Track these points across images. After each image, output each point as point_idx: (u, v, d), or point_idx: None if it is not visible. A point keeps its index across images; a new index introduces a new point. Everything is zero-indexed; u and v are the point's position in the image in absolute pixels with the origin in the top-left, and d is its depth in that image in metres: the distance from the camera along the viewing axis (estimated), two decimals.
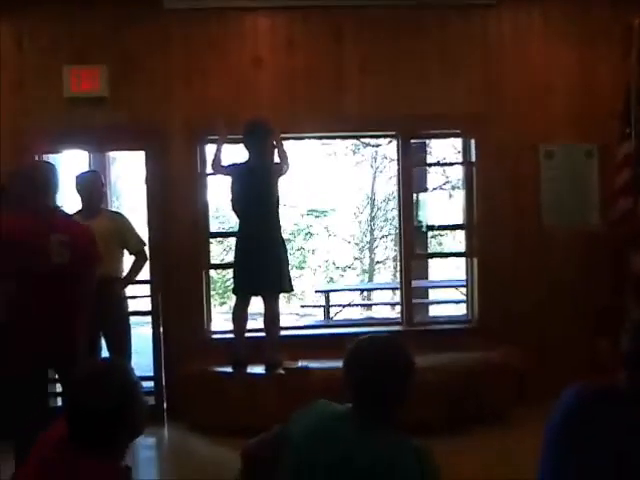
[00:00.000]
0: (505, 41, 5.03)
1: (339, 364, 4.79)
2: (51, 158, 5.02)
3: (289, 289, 4.74)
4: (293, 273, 4.87)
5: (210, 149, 4.90)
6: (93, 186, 4.45)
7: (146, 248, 4.63)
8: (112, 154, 5.95)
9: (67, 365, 3.29)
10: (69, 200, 4.57)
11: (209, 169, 4.79)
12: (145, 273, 4.96)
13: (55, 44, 4.79)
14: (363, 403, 1.82)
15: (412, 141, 5.26)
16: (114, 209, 5.61)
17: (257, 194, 4.49)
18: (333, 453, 1.75)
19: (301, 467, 1.79)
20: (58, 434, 1.74)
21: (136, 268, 4.55)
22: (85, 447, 1.67)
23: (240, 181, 4.56)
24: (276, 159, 4.66)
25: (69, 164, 5.93)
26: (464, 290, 5.74)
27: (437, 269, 11.65)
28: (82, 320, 3.49)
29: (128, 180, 11.54)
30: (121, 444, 1.76)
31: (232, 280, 4.73)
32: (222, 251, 11.92)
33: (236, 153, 4.68)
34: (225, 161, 4.66)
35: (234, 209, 4.64)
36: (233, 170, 4.61)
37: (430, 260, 9.91)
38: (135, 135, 4.86)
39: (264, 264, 4.44)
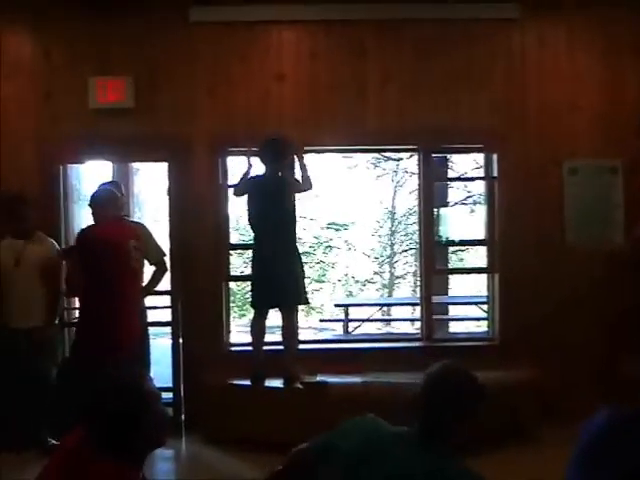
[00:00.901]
0: (529, 55, 5.00)
1: (357, 379, 4.76)
2: (75, 168, 5.10)
3: (305, 302, 4.74)
4: (312, 287, 4.89)
5: (234, 165, 4.93)
6: (110, 198, 4.47)
7: (166, 259, 4.65)
8: (135, 165, 6.01)
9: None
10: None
11: (235, 178, 4.80)
12: (165, 284, 4.98)
13: (82, 55, 4.86)
14: (429, 429, 1.82)
15: (433, 155, 5.24)
16: (136, 219, 5.66)
17: (271, 209, 4.49)
18: (390, 471, 1.74)
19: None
20: (78, 439, 1.75)
21: (156, 278, 4.57)
22: (104, 453, 1.68)
23: (255, 196, 4.57)
24: (297, 176, 4.67)
25: (93, 174, 6.00)
26: (485, 307, 5.68)
27: (458, 285, 11.58)
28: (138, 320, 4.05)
29: (151, 191, 11.66)
30: (138, 451, 1.76)
31: (251, 293, 4.73)
32: (242, 263, 11.95)
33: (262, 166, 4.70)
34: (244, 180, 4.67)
35: (250, 223, 4.65)
36: (249, 186, 4.62)
37: (451, 276, 9.86)
38: (159, 146, 4.90)
39: (279, 278, 4.43)
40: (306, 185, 4.60)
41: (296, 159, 4.65)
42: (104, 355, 3.63)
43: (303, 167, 4.62)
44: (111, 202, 4.15)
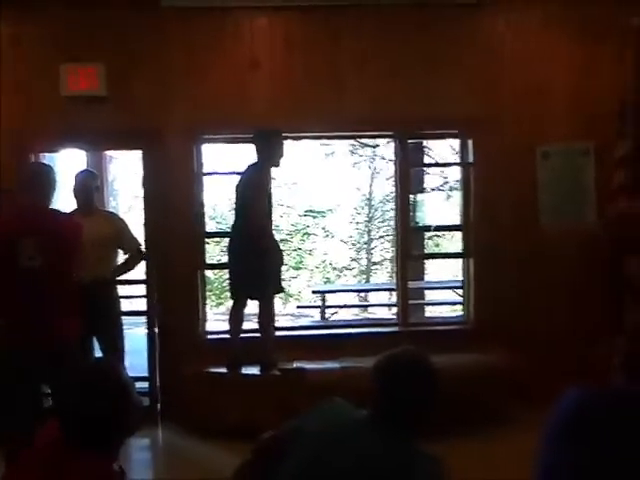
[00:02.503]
0: (503, 41, 5.02)
1: (334, 365, 4.78)
2: (48, 157, 5.02)
3: (279, 290, 4.75)
4: (290, 274, 4.89)
5: (212, 147, 4.88)
6: (87, 185, 4.43)
7: (142, 248, 4.60)
8: (110, 153, 5.94)
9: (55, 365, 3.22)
10: (66, 199, 4.55)
11: (210, 165, 4.77)
12: (141, 273, 4.95)
13: (52, 42, 4.78)
14: (387, 412, 1.82)
15: (410, 141, 5.25)
16: (110, 209, 5.60)
17: (243, 199, 4.48)
18: (348, 457, 1.74)
19: (311, 466, 1.78)
20: (51, 436, 1.73)
21: (130, 263, 4.51)
22: (79, 449, 1.66)
23: (236, 186, 4.57)
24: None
25: (66, 163, 5.93)
26: (460, 291, 5.74)
27: (434, 270, 11.66)
28: (69, 319, 3.45)
29: (125, 180, 11.54)
30: (115, 444, 1.76)
31: (229, 284, 4.72)
32: (220, 251, 11.91)
33: (238, 154, 4.67)
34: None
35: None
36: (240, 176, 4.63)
37: (427, 261, 9.92)
38: (132, 134, 4.84)
39: (252, 269, 4.41)
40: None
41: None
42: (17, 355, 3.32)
43: None
44: (34, 184, 3.45)
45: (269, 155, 4.51)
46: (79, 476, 1.64)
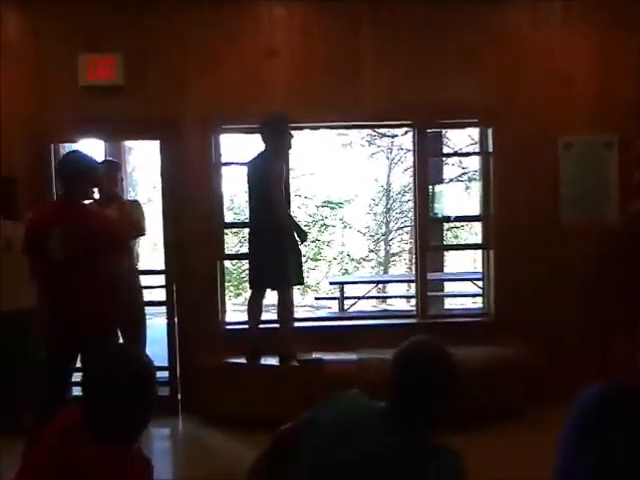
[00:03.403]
0: (523, 30, 4.94)
1: (353, 356, 4.77)
2: (67, 147, 5.05)
3: (300, 282, 4.74)
4: (308, 265, 4.88)
5: (230, 137, 4.88)
6: (111, 175, 4.45)
7: (141, 238, 4.63)
8: (128, 144, 5.95)
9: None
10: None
11: (228, 155, 4.77)
12: (160, 263, 4.96)
13: (71, 32, 4.79)
14: (404, 402, 1.79)
15: (428, 131, 5.20)
16: (130, 198, 5.63)
17: (264, 189, 4.44)
18: (361, 449, 1.72)
19: (325, 457, 1.77)
20: (68, 422, 1.73)
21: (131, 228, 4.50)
22: (97, 433, 1.66)
23: (248, 176, 4.56)
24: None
25: (85, 151, 5.95)
26: (480, 283, 5.69)
27: (453, 262, 11.60)
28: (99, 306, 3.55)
29: (144, 170, 11.60)
30: (136, 429, 1.76)
31: (248, 274, 4.72)
32: (238, 242, 11.94)
33: (252, 144, 4.66)
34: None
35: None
36: (248, 166, 4.60)
37: (446, 252, 9.87)
38: (150, 124, 4.85)
39: (273, 259, 4.42)
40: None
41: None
42: (61, 344, 3.54)
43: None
44: (64, 176, 3.62)
45: (277, 142, 4.50)
46: (98, 462, 1.63)
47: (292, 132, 4.56)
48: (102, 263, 3.54)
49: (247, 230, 4.82)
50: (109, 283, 3.63)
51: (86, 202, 3.78)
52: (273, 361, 4.57)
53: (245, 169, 4.64)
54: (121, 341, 4.41)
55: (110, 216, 3.76)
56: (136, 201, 4.79)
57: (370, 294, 9.59)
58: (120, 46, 4.79)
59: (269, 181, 4.39)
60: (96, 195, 4.43)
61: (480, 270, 5.46)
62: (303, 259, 4.80)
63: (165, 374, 4.87)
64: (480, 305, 5.53)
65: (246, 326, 4.72)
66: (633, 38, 4.86)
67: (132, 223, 4.36)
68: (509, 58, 4.94)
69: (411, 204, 6.26)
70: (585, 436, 1.75)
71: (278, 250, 4.42)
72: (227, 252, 6.99)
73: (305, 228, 4.95)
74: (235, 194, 11.45)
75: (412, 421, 1.77)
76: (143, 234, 4.54)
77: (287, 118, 4.53)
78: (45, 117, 4.77)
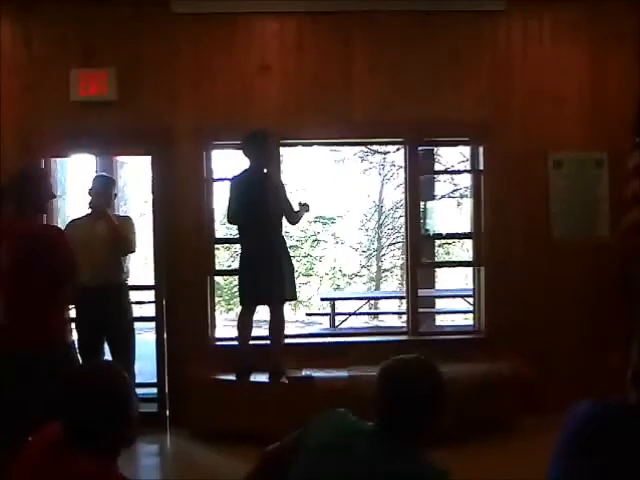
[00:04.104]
0: (515, 47, 4.99)
1: (343, 374, 4.73)
2: (59, 162, 5.04)
3: (293, 298, 4.73)
4: (300, 280, 4.86)
5: (222, 153, 4.89)
6: (106, 190, 4.42)
7: (131, 255, 4.55)
8: (120, 159, 5.94)
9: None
10: (75, 204, 4.56)
11: (220, 171, 4.75)
12: (150, 278, 4.93)
13: (63, 47, 4.79)
14: (391, 423, 1.77)
15: (420, 148, 5.22)
16: (122, 214, 5.59)
17: (256, 204, 4.43)
18: (349, 469, 1.70)
19: (311, 476, 1.75)
20: (50, 437, 1.72)
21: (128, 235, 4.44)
22: (78, 451, 1.64)
23: (240, 192, 4.51)
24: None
25: (76, 168, 5.95)
26: (471, 300, 5.68)
27: (445, 278, 11.61)
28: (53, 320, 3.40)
29: (136, 185, 11.57)
30: (115, 446, 1.74)
31: (238, 290, 4.70)
32: (229, 257, 11.91)
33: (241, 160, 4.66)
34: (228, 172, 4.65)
35: (230, 220, 4.61)
36: (234, 182, 4.58)
37: (438, 269, 9.86)
38: (142, 139, 4.85)
39: (267, 275, 4.40)
40: (293, 219, 4.62)
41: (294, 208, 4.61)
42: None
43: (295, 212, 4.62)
44: (19, 191, 3.41)
45: (259, 157, 4.50)
46: (80, 477, 1.62)
47: (274, 148, 4.58)
48: (50, 276, 3.34)
49: (238, 246, 4.80)
50: (62, 297, 3.46)
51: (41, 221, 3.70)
52: (263, 378, 4.54)
53: (232, 185, 4.60)
54: (108, 356, 4.38)
55: (56, 229, 3.65)
56: (127, 217, 4.75)
57: (361, 310, 9.57)
58: (112, 61, 4.79)
59: (269, 194, 4.39)
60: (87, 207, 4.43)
61: (471, 287, 5.46)
62: (295, 274, 4.79)
63: (154, 390, 4.82)
64: (471, 322, 5.52)
65: (236, 342, 4.69)
66: (623, 54, 4.91)
67: (121, 238, 4.32)
68: (500, 75, 4.98)
69: (403, 220, 6.27)
70: (577, 451, 1.74)
71: (273, 265, 4.41)
72: (218, 267, 6.96)
73: (297, 243, 4.94)
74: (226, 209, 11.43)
75: (398, 440, 1.74)
76: (133, 251, 4.50)
77: (268, 134, 4.53)
78: (37, 131, 4.75)
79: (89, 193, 4.41)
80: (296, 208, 4.63)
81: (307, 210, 4.69)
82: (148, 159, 5.02)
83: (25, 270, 3.27)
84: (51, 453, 1.67)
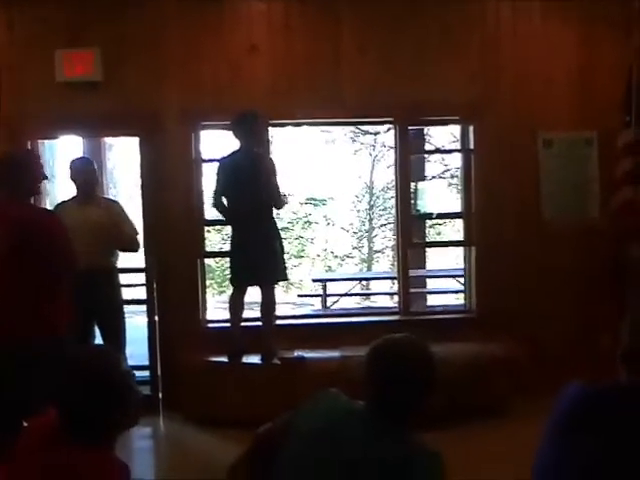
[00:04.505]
0: (504, 26, 4.94)
1: (335, 354, 4.74)
2: (46, 144, 4.99)
3: (284, 278, 4.73)
4: (291, 262, 4.86)
5: (211, 134, 4.85)
6: (86, 173, 4.39)
7: (139, 237, 4.56)
8: (108, 141, 5.90)
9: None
10: (64, 187, 4.52)
11: (209, 152, 4.72)
12: (140, 261, 4.91)
13: (47, 27, 4.70)
14: (381, 403, 1.77)
15: (410, 128, 5.20)
16: (111, 197, 5.56)
17: (246, 185, 4.41)
18: (340, 450, 1.71)
19: (303, 459, 1.76)
20: (46, 424, 1.71)
21: (125, 249, 4.46)
22: (76, 437, 1.64)
23: (229, 173, 4.48)
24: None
25: (64, 150, 5.89)
26: (462, 280, 5.70)
27: (436, 259, 11.64)
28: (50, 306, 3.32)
29: (125, 168, 11.50)
30: (113, 435, 1.73)
31: (229, 271, 4.68)
32: (220, 239, 11.89)
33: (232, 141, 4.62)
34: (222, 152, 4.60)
35: (215, 203, 4.56)
36: (224, 163, 4.55)
37: (429, 250, 9.89)
38: (129, 121, 4.79)
39: (257, 256, 4.40)
40: (279, 204, 4.54)
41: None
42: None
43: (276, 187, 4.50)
44: (5, 176, 3.34)
45: (249, 138, 4.47)
46: (76, 467, 1.60)
47: (264, 129, 4.54)
48: (44, 262, 3.27)
49: (229, 228, 4.78)
50: (59, 284, 3.39)
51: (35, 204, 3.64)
52: (255, 359, 4.55)
53: (220, 167, 4.55)
54: (100, 340, 4.37)
55: (51, 215, 3.55)
56: (116, 202, 4.71)
57: (353, 291, 9.59)
58: (98, 41, 4.71)
59: (260, 174, 4.37)
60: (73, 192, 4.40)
61: (462, 267, 5.47)
62: (286, 256, 4.79)
63: (146, 373, 4.82)
64: (462, 302, 5.54)
65: (228, 324, 4.69)
66: (614, 33, 4.88)
67: (134, 243, 4.35)
68: (490, 54, 4.94)
69: (394, 201, 6.26)
70: (567, 432, 1.75)
71: (264, 246, 4.40)
72: (209, 250, 6.94)
73: (288, 225, 4.93)
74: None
75: (389, 420, 1.74)
76: (136, 250, 4.51)
77: (258, 115, 4.49)
78: (22, 113, 4.68)
79: (72, 177, 4.36)
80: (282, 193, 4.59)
81: (285, 202, 4.64)
82: (136, 141, 4.97)
83: (19, 258, 3.18)
84: (47, 441, 1.66)
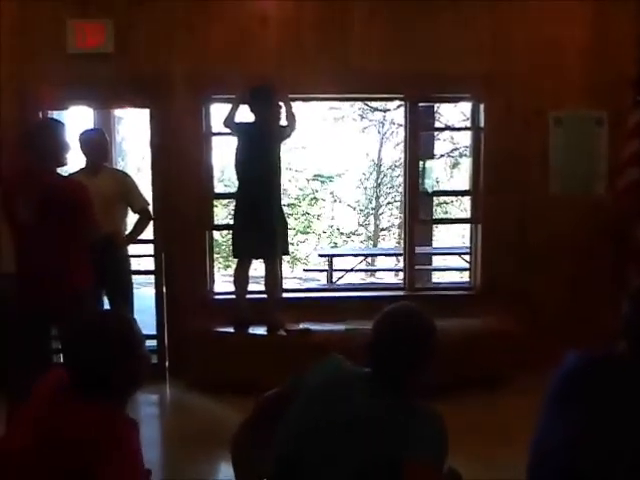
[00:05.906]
0: (517, 1, 4.89)
1: (340, 327, 4.79)
2: (56, 114, 5.00)
3: (286, 252, 4.78)
4: (298, 238, 4.89)
5: (221, 107, 4.86)
6: (97, 143, 4.42)
7: (150, 207, 4.61)
8: (118, 113, 5.90)
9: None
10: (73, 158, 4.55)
11: (219, 125, 4.74)
12: (149, 232, 4.96)
13: None
14: (383, 368, 1.82)
15: (420, 105, 5.19)
16: (119, 168, 5.58)
17: (258, 158, 4.46)
18: (345, 412, 1.76)
19: (309, 422, 1.80)
20: (57, 380, 1.73)
21: (139, 227, 4.55)
22: (85, 393, 1.66)
23: (244, 142, 4.54)
24: (283, 121, 4.62)
25: (74, 121, 5.90)
26: (468, 258, 5.73)
27: (442, 237, 11.67)
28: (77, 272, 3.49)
29: (134, 140, 11.50)
30: (122, 393, 1.75)
31: (232, 243, 4.73)
32: (227, 214, 11.91)
33: (246, 113, 4.64)
34: (237, 119, 4.63)
35: (236, 170, 4.63)
36: (240, 129, 4.58)
37: (435, 227, 9.91)
38: (139, 91, 4.80)
39: (261, 229, 4.44)
40: (292, 126, 4.57)
41: (282, 101, 4.59)
42: (29, 311, 3.45)
43: (289, 108, 4.57)
44: (35, 142, 3.43)
45: (264, 112, 4.50)
46: (84, 422, 1.63)
47: (278, 102, 4.55)
48: (72, 229, 3.42)
49: (234, 201, 4.81)
50: (83, 250, 3.53)
51: (64, 169, 3.71)
52: (261, 330, 4.61)
53: (240, 130, 4.60)
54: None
55: (80, 184, 3.64)
56: (125, 173, 4.74)
57: (359, 267, 9.63)
58: (109, 12, 4.71)
59: (271, 151, 4.41)
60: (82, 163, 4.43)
61: (468, 245, 5.49)
62: (292, 232, 4.82)
63: (153, 342, 4.89)
64: (467, 279, 5.57)
65: (234, 296, 4.75)
66: (626, 11, 4.83)
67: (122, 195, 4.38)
68: (501, 30, 4.90)
69: (401, 179, 6.27)
70: (565, 398, 1.80)
71: (264, 220, 4.44)
72: (217, 223, 6.97)
73: (295, 201, 4.96)
74: (225, 165, 11.39)
75: (391, 384, 1.80)
76: (149, 220, 4.59)
77: (273, 89, 4.50)
78: (34, 84, 4.69)
79: (81, 149, 4.39)
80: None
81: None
82: (146, 113, 4.99)
83: (47, 222, 3.31)
84: (57, 398, 1.68)
